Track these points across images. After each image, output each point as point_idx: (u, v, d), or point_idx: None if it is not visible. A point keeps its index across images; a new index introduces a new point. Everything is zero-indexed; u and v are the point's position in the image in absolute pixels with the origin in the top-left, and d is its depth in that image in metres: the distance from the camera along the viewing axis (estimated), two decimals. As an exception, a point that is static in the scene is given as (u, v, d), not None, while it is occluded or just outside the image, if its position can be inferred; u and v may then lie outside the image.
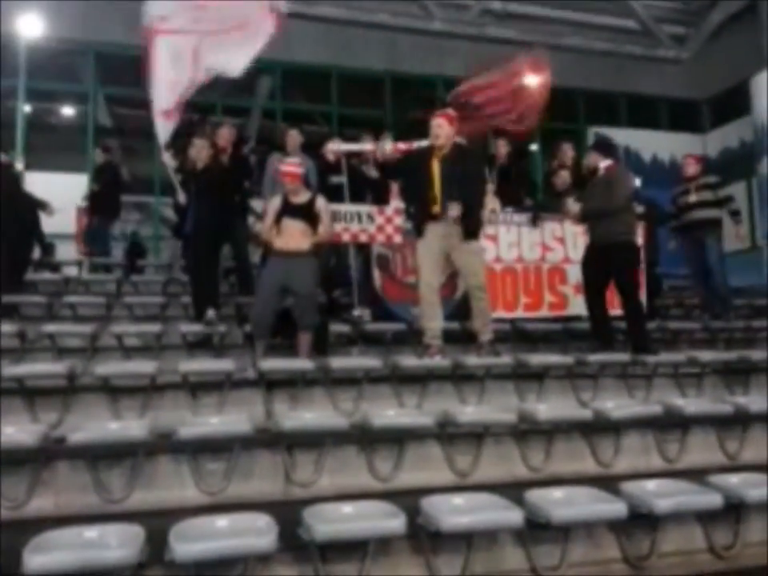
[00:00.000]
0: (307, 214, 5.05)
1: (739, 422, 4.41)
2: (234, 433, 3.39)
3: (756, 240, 10.20)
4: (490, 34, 10.28)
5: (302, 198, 5.13)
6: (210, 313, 5.41)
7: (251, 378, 4.32)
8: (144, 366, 4.29)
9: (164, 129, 5.71)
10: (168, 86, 5.59)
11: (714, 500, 3.23)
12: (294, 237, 4.98)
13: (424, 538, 2.85)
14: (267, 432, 3.63)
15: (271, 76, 11.30)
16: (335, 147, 6.61)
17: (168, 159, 6.14)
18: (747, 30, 10.96)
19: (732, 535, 3.41)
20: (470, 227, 5.00)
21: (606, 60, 11.01)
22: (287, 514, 2.98)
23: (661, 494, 3.25)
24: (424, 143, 6.48)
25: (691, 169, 7.05)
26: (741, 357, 5.41)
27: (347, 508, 2.79)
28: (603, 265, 5.34)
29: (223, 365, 4.36)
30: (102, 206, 8.48)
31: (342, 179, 6.42)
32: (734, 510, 3.35)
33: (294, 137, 6.83)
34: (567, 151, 7.51)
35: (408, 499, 3.12)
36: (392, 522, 2.64)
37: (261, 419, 3.90)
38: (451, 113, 5.28)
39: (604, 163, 5.58)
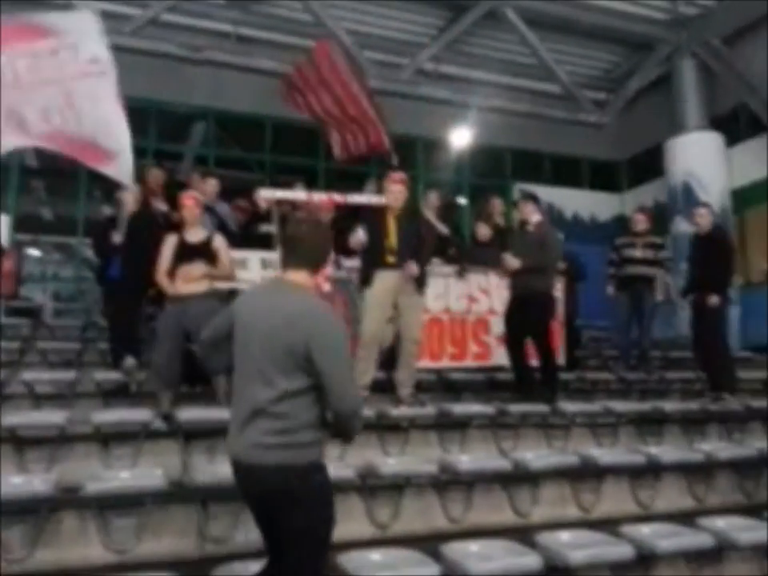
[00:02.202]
0: (204, 253, 4.85)
1: (651, 472, 4.56)
2: (145, 487, 3.27)
3: (670, 294, 10.73)
4: (422, 93, 10.63)
5: (198, 235, 4.94)
6: (129, 360, 5.23)
7: (166, 430, 4.18)
8: (53, 416, 4.09)
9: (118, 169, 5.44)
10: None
11: (625, 551, 3.33)
12: (185, 278, 4.75)
13: (340, 595, 2.81)
14: (181, 486, 3.52)
15: (204, 122, 11.33)
16: (268, 195, 6.63)
17: (129, 199, 5.88)
18: (662, 97, 11.73)
19: (643, 584, 3.50)
20: (420, 280, 5.19)
21: (531, 121, 11.53)
22: (199, 573, 2.89)
23: (575, 546, 3.32)
24: (359, 198, 6.70)
25: (641, 225, 7.38)
26: (654, 407, 5.63)
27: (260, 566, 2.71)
28: (523, 316, 5.50)
29: (138, 415, 4.20)
30: None
31: (271, 227, 6.42)
32: (645, 560, 3.44)
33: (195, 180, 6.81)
34: (496, 205, 7.81)
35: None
36: (304, 579, 2.58)
37: (176, 472, 3.77)
38: (405, 177, 5.51)
39: (536, 218, 5.79)
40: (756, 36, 10.69)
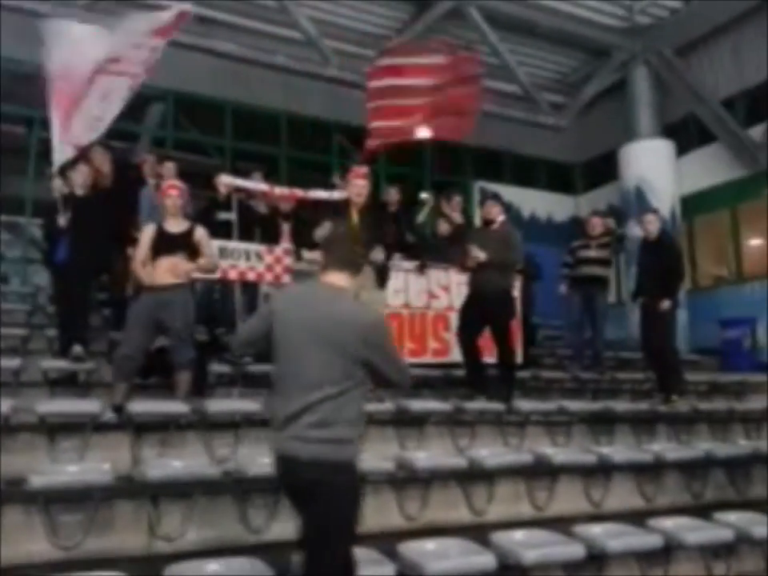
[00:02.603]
0: (185, 244, 4.72)
1: (603, 471, 4.64)
2: (93, 482, 3.14)
3: (621, 297, 10.99)
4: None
5: (180, 225, 4.81)
6: (77, 348, 5.04)
7: (116, 422, 4.04)
8: (-4, 405, 3.90)
9: (62, 155, 5.43)
10: (89, 122, 5.43)
11: (577, 551, 3.36)
12: (166, 269, 4.61)
13: (294, 595, 2.76)
14: (131, 481, 3.40)
15: (163, 104, 11.02)
16: (228, 180, 6.48)
17: (58, 185, 5.68)
18: (618, 103, 11.97)
19: (594, 584, 3.55)
20: (383, 274, 5.20)
21: (491, 120, 11.56)
22: (148, 572, 2.80)
23: (528, 545, 3.35)
24: (321, 193, 6.62)
25: (598, 229, 7.50)
26: (606, 407, 5.74)
27: (213, 565, 2.65)
28: (481, 313, 5.51)
29: (87, 406, 4.05)
30: None
31: (230, 216, 6.28)
32: (596, 560, 3.50)
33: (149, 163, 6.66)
34: (456, 202, 7.83)
35: (281, 553, 3.02)
36: (260, 580, 2.53)
37: (126, 466, 3.65)
38: (368, 171, 5.49)
39: (501, 217, 5.82)
40: (706, 48, 11.10)
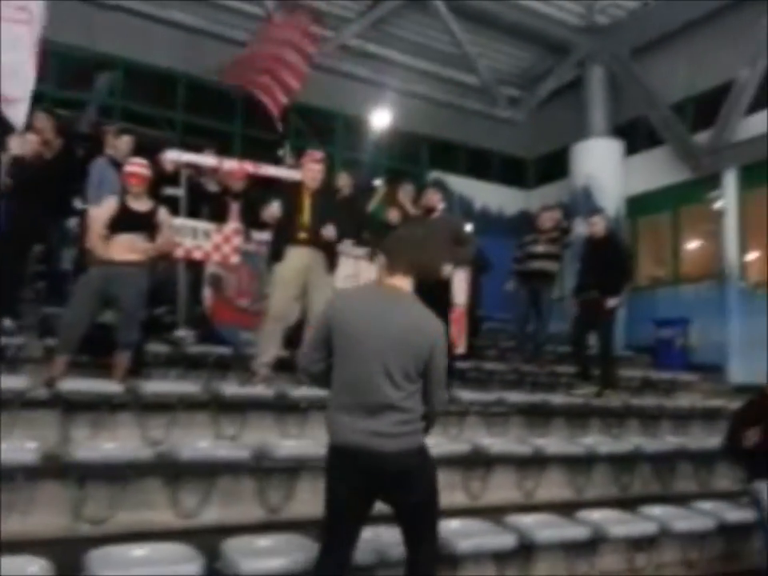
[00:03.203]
0: (146, 224, 4.67)
1: (537, 462, 4.74)
2: (16, 461, 3.02)
3: (563, 292, 11.17)
4: (343, 69, 10.50)
5: (143, 205, 4.75)
6: (7, 322, 4.84)
7: (46, 399, 3.89)
8: None
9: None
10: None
11: (508, 541, 3.43)
12: (124, 246, 4.55)
13: (222, 583, 2.72)
14: (57, 461, 3.29)
15: (112, 72, 10.62)
16: (174, 157, 6.31)
17: (16, 145, 5.39)
18: (573, 101, 12.12)
19: (522, 572, 3.64)
20: (333, 259, 5.16)
21: (448, 110, 11.60)
22: (70, 556, 2.71)
23: (462, 534, 3.39)
24: (273, 170, 6.51)
25: (549, 223, 7.55)
26: (543, 400, 5.85)
27: (139, 550, 2.59)
28: (428, 304, 5.49)
29: (15, 381, 3.88)
30: None
31: (178, 191, 6.12)
32: (525, 549, 3.58)
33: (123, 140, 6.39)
34: (407, 191, 7.80)
35: (212, 538, 2.97)
36: (186, 566, 2.49)
37: (54, 446, 3.52)
38: (324, 156, 5.41)
39: (442, 205, 5.80)
40: (661, 52, 11.21)
